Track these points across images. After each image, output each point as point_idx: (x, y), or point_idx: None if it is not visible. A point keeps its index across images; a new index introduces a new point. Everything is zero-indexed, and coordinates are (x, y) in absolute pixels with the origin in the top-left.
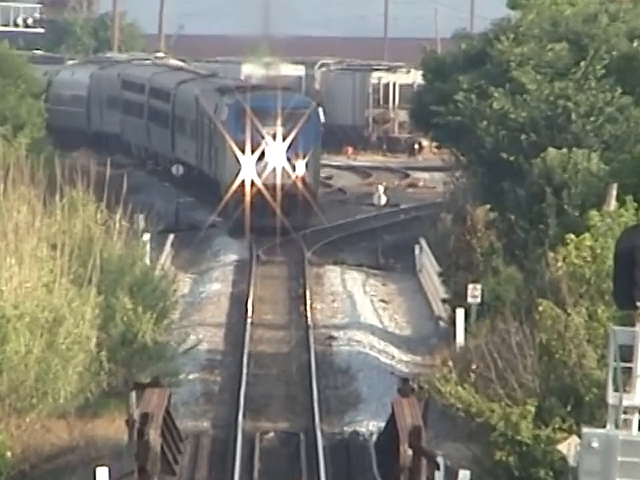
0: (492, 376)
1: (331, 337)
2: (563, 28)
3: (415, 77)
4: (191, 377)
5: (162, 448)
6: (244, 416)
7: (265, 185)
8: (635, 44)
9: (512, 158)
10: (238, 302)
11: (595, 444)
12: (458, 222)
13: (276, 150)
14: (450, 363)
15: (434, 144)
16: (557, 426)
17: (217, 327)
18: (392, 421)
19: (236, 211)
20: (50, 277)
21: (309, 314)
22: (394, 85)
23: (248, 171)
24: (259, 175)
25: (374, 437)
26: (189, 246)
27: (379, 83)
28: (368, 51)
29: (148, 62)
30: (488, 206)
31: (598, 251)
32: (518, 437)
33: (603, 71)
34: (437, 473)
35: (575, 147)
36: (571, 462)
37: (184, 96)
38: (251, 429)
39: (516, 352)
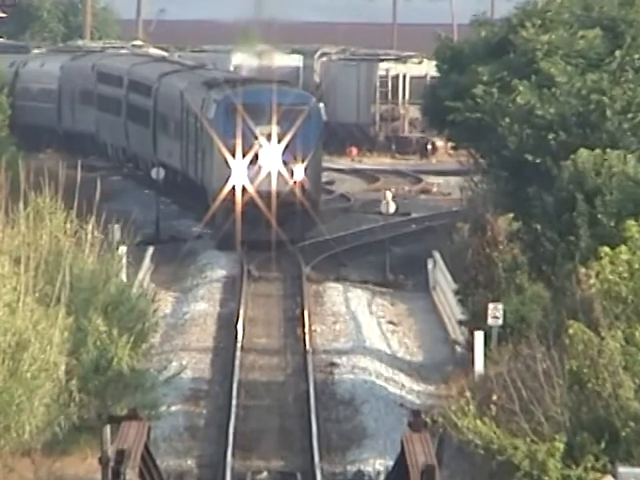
0: (515, 408)
1: (332, 364)
2: (597, 12)
3: (428, 68)
4: (173, 409)
5: None
6: (233, 454)
7: (258, 192)
8: None
9: (538, 160)
10: (227, 324)
11: None
12: (477, 233)
13: (271, 152)
14: (468, 393)
15: (449, 144)
16: (589, 465)
17: (203, 352)
18: (402, 459)
19: (225, 222)
20: (13, 296)
21: (307, 337)
22: (404, 77)
23: (239, 176)
24: (251, 181)
25: (381, 478)
26: (171, 260)
27: (387, 75)
28: (375, 38)
29: (125, 51)
30: (511, 215)
31: (636, 266)
32: (545, 477)
33: None
34: None
35: (610, 148)
36: None
37: (167, 91)
38: (241, 468)
39: (543, 381)
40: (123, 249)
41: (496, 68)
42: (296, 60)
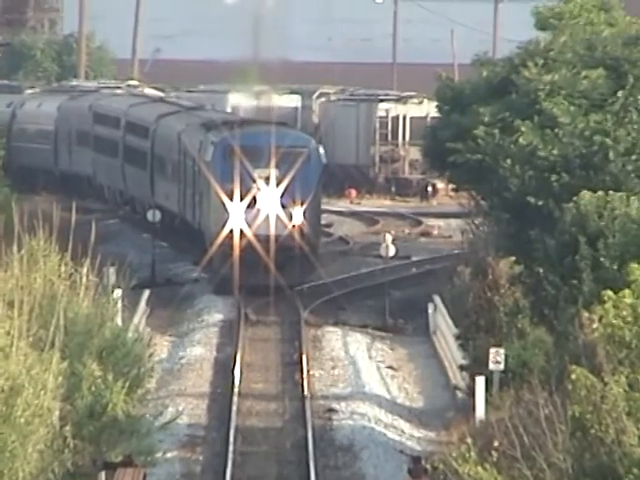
0: (517, 455)
1: (331, 410)
2: (600, 52)
3: (428, 109)
4: (169, 455)
5: None
6: None
7: (256, 236)
8: None
9: (541, 202)
10: (223, 369)
11: None
12: (478, 277)
13: (269, 196)
14: (469, 439)
15: (450, 186)
16: None
17: (199, 398)
18: None
19: (223, 266)
20: (6, 340)
21: (306, 383)
22: (404, 118)
23: (237, 220)
24: (249, 225)
25: None
26: (167, 304)
27: (387, 116)
28: (374, 78)
29: (120, 91)
30: (513, 258)
31: None
32: None
33: None
34: None
35: (614, 190)
36: None
37: (165, 132)
38: None
39: (545, 427)
40: (118, 292)
41: (498, 108)
42: (294, 100)
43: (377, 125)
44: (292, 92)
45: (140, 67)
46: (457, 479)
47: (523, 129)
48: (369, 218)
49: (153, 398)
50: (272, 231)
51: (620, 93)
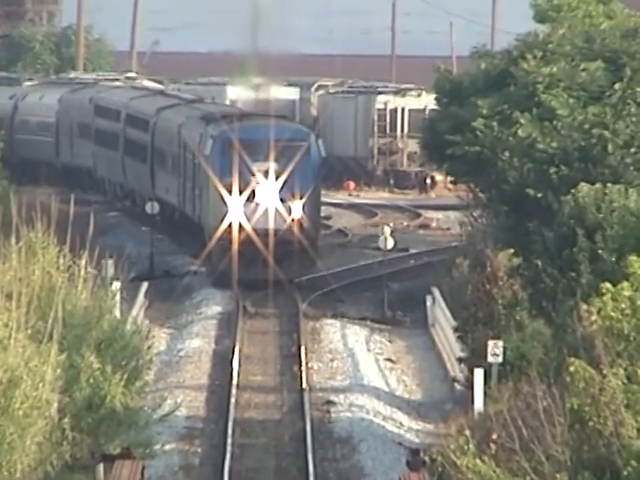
0: (516, 447)
1: (329, 402)
2: (598, 45)
3: (427, 101)
4: (167, 447)
5: None
6: None
7: (255, 230)
8: None
9: (539, 195)
10: (222, 361)
11: None
12: (476, 269)
13: (268, 190)
14: (467, 432)
15: (449, 179)
16: None
17: (198, 390)
18: None
19: (222, 260)
20: (4, 332)
21: (304, 375)
22: (402, 110)
23: (235, 214)
24: (248, 219)
25: None
26: (166, 296)
27: (385, 108)
28: (373, 71)
29: (118, 83)
30: (511, 250)
31: (638, 303)
32: None
33: None
34: None
35: (612, 182)
36: None
37: (165, 125)
38: None
39: (543, 419)
40: (117, 285)
41: (496, 101)
42: (293, 93)
43: (375, 117)
44: (291, 84)
45: (138, 59)
46: (455, 471)
47: (522, 121)
48: (367, 210)
49: (151, 390)
50: (271, 225)
51: (617, 86)
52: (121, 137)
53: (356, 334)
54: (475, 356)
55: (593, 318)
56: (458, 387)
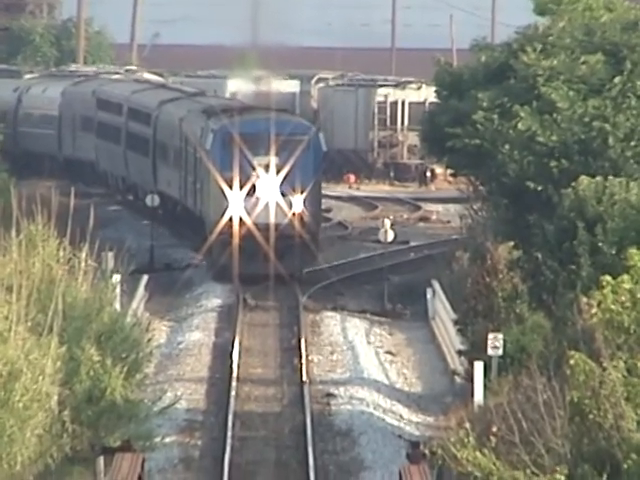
0: (516, 440)
1: (329, 394)
2: (599, 37)
3: (427, 94)
4: (168, 440)
5: None
6: None
7: (256, 224)
8: None
9: (539, 188)
10: (222, 354)
11: None
12: (476, 262)
13: (269, 184)
14: (467, 425)
15: (449, 172)
16: None
17: (198, 383)
18: None
19: (222, 254)
20: (5, 325)
21: (304, 368)
22: (403, 103)
23: (236, 208)
24: (249, 213)
25: None
26: (166, 289)
27: (385, 101)
28: (373, 63)
29: (118, 76)
30: (511, 243)
31: (639, 295)
32: None
33: None
34: None
35: (613, 175)
36: None
37: (167, 119)
38: None
39: (543, 412)
40: (117, 277)
41: (496, 94)
42: (293, 86)
43: (376, 110)
44: (291, 77)
45: (139, 52)
46: (455, 464)
47: (522, 114)
48: (368, 203)
49: (151, 383)
50: (272, 219)
51: (618, 79)
52: (123, 130)
53: (356, 327)
54: (475, 349)
55: (593, 311)
56: (458, 380)
